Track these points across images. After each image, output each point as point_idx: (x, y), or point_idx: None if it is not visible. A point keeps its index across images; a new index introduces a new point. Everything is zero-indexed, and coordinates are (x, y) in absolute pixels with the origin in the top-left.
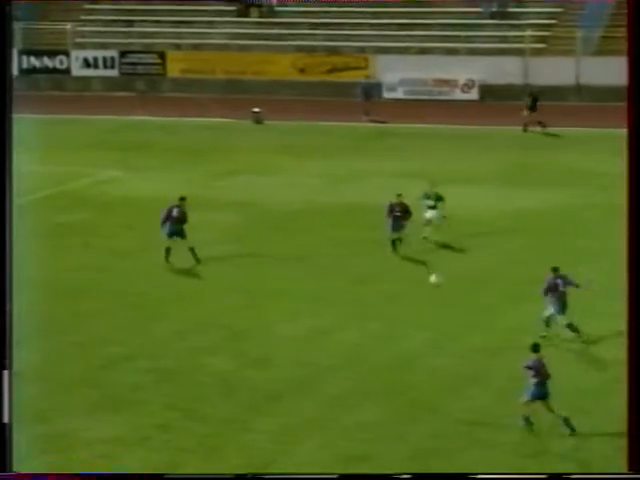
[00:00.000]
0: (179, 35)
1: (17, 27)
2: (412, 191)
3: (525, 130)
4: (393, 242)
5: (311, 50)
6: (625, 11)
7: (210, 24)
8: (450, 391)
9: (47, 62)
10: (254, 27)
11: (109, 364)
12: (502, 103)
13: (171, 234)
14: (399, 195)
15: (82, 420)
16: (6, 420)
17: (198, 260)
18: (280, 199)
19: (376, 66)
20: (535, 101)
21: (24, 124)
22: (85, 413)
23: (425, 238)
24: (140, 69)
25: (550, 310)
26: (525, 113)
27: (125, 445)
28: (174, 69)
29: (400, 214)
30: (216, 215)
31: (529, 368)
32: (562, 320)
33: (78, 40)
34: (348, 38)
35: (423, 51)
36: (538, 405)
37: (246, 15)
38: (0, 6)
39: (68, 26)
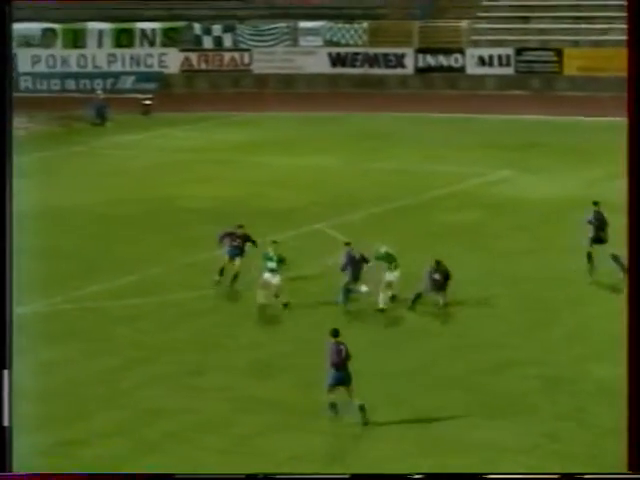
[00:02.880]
0: (577, 31)
1: (414, 26)
2: None
3: None
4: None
5: None
6: None
7: (611, 20)
8: None
9: (442, 60)
10: None
11: (497, 368)
12: None
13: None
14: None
15: (463, 423)
16: (6, 423)
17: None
18: None
19: None
20: None
21: (412, 122)
22: (465, 417)
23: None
24: (536, 67)
25: None
26: None
27: (510, 452)
28: (571, 67)
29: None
30: (618, 218)
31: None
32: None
33: (474, 38)
34: None
35: None
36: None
37: None
38: (0, 6)
39: (464, 23)
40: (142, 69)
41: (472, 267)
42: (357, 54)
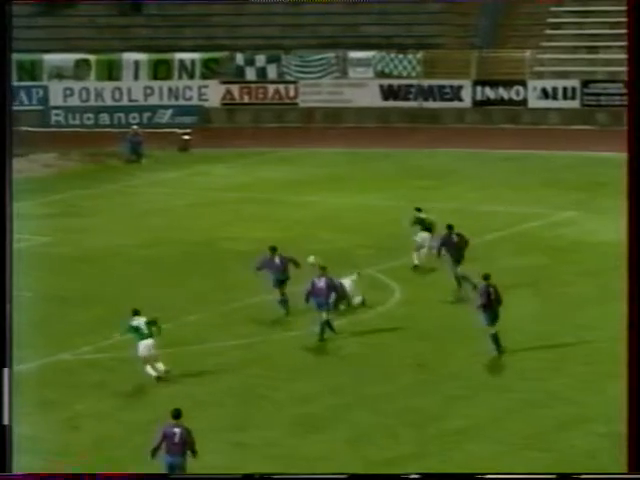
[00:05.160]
0: None
1: (472, 56)
2: None
3: None
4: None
5: None
6: None
7: None
8: None
9: (502, 93)
10: None
11: (562, 425)
12: None
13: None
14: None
15: None
16: (6, 422)
17: None
18: None
19: None
20: None
21: (469, 159)
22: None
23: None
24: (603, 100)
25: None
26: None
27: None
28: None
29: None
30: None
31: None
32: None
33: (537, 69)
34: None
35: None
36: None
37: None
38: (0, 6)
39: (526, 53)
40: (180, 102)
41: (535, 316)
42: (410, 86)
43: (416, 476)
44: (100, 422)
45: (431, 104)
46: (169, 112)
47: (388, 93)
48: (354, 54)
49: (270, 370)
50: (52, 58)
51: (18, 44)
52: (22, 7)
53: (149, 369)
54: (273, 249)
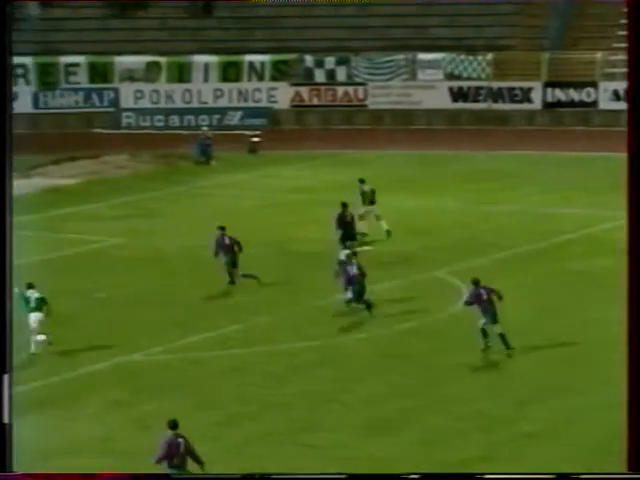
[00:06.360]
0: None
1: (543, 57)
2: None
3: None
4: None
5: None
6: None
7: None
8: None
9: (573, 95)
10: None
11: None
12: None
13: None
14: None
15: None
16: (6, 420)
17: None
18: None
19: None
20: None
21: (539, 161)
22: None
23: None
24: None
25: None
26: None
27: None
28: None
29: None
30: None
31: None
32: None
33: (608, 70)
34: None
35: None
36: None
37: None
38: (0, 6)
39: (597, 55)
40: (250, 104)
41: (603, 319)
42: (480, 88)
43: (416, 476)
44: None
45: (501, 106)
46: (238, 114)
47: (458, 95)
48: (423, 56)
49: (339, 371)
50: (123, 60)
51: (90, 46)
52: (95, 9)
53: (38, 337)
54: (222, 228)
